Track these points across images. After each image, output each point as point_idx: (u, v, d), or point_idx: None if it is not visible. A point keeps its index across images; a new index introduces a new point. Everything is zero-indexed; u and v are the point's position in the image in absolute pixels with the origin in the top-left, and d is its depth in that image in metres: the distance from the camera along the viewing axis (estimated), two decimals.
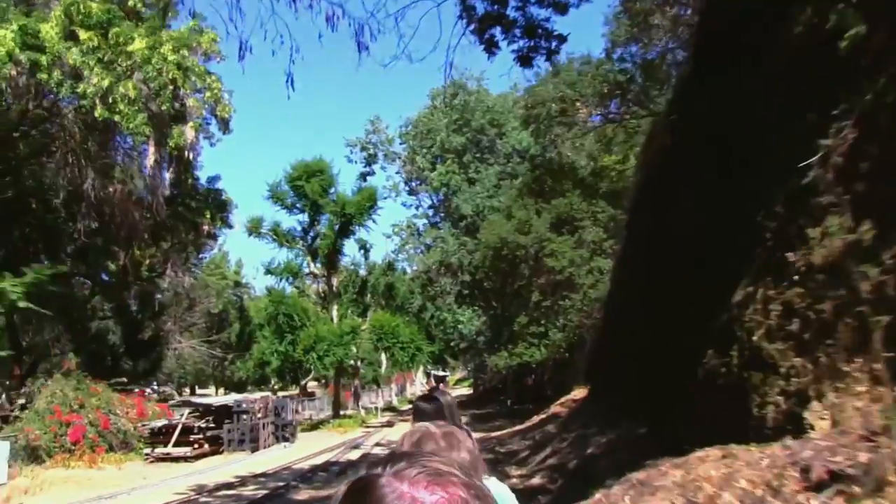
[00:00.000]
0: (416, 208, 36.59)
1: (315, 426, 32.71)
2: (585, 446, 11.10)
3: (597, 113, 21.29)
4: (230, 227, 35.96)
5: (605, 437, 10.46)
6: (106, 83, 22.07)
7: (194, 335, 49.13)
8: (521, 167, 28.26)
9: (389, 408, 49.69)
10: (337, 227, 34.42)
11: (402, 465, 0.84)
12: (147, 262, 33.42)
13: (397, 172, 36.53)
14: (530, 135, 23.60)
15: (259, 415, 23.97)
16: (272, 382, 51.27)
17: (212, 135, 32.44)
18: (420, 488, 0.80)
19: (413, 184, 36.94)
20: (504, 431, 21.49)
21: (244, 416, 22.86)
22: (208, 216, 33.18)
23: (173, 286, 36.64)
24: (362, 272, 42.40)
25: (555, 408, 20.09)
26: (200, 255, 53.89)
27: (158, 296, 47.25)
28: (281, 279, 37.18)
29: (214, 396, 50.81)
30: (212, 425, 22.17)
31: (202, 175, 34.96)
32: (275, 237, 37.26)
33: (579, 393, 20.39)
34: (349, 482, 0.85)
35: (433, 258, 31.39)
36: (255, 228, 37.15)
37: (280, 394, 52.42)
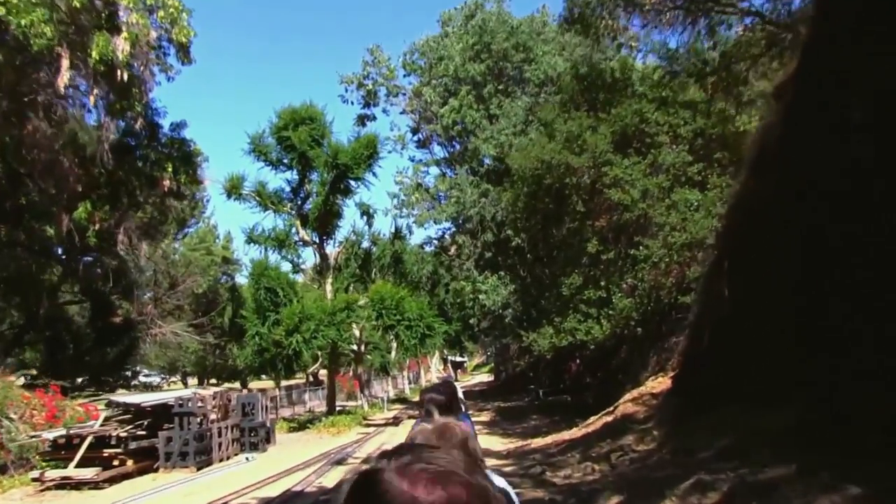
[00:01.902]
0: (426, 166, 29.98)
1: (304, 425, 26.61)
2: None
3: None
4: (199, 182, 29.87)
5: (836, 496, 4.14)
6: None
7: (179, 319, 43.23)
8: (558, 97, 21.59)
9: (400, 399, 43.58)
10: (329, 181, 28.04)
11: (407, 459, 0.85)
12: (97, 226, 27.29)
13: (402, 112, 29.88)
14: (577, 34, 17.12)
15: (213, 416, 17.86)
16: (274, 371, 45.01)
17: (170, 66, 26.32)
18: (419, 487, 0.81)
19: (422, 133, 30.34)
20: (549, 439, 15.16)
21: (193, 419, 16.70)
22: (170, 169, 27.06)
23: (129, 256, 30.48)
24: (366, 244, 36.12)
25: (625, 405, 13.74)
26: (185, 229, 48.34)
27: (142, 273, 41.93)
28: (265, 248, 30.89)
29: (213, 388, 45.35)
30: (142, 432, 16.06)
31: (166, 123, 29.00)
32: (258, 199, 30.91)
33: (657, 385, 14.05)
34: (357, 473, 0.86)
35: (447, 212, 24.76)
36: (234, 189, 30.69)
37: (285, 382, 46.58)
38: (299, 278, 35.02)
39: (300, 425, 26.98)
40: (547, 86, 23.76)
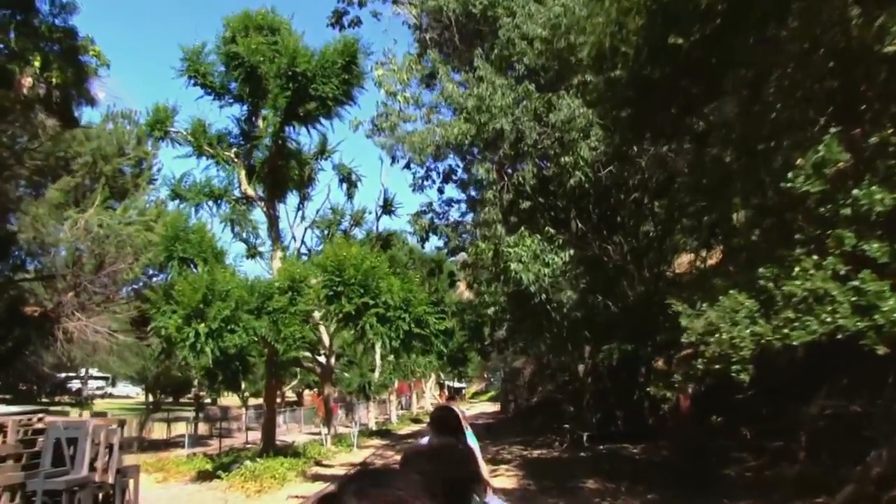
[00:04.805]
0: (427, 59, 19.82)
1: (217, 470, 16.85)
2: None
3: None
4: (88, 96, 20.26)
5: None
6: None
7: (108, 311, 33.35)
8: None
9: (382, 430, 33.59)
10: (284, 105, 18.47)
11: (365, 483, 0.93)
12: None
13: (394, 1, 19.88)
14: None
15: None
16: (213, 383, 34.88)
17: None
18: None
19: (428, 49, 20.39)
20: None
21: None
22: (38, 62, 17.59)
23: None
24: (345, 225, 26.65)
25: None
26: (125, 200, 38.74)
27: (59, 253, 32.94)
28: (195, 207, 21.34)
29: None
30: None
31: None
32: (191, 140, 21.33)
33: None
34: (316, 498, 1.18)
35: (459, 129, 14.59)
36: (159, 125, 21.22)
37: (254, 400, 36.68)
38: (260, 272, 25.34)
39: (214, 469, 17.25)
40: None
